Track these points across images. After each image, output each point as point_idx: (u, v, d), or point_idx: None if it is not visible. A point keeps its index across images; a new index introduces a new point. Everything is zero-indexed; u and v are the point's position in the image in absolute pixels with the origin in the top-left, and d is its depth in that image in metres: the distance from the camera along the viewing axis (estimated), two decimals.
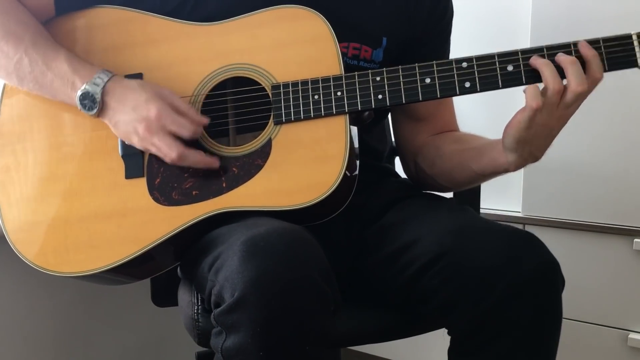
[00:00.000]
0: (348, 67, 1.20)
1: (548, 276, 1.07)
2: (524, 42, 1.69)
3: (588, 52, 1.06)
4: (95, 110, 1.13)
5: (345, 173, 1.10)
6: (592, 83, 1.06)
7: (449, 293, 1.08)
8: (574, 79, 1.04)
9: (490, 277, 1.05)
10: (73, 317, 1.80)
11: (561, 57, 1.06)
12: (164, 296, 1.39)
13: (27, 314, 1.72)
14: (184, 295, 1.24)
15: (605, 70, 1.07)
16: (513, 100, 1.12)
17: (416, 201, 1.28)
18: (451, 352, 1.14)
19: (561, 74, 1.06)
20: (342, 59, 1.16)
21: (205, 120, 1.13)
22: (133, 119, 1.11)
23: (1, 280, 1.66)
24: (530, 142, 1.10)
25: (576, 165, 1.65)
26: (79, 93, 1.12)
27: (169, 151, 1.10)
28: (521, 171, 1.67)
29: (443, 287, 1.09)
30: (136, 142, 1.12)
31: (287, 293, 0.93)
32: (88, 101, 1.12)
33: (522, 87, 1.08)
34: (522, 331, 1.05)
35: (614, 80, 1.07)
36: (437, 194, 1.32)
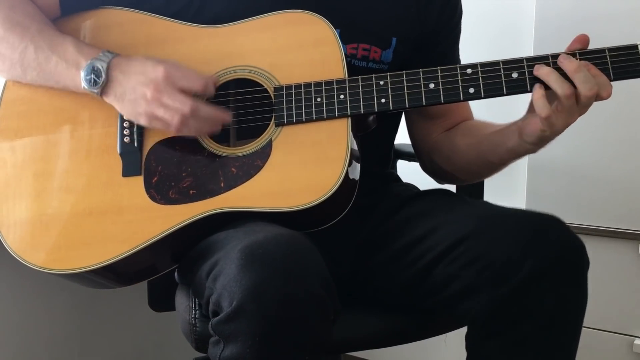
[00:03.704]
0: (357, 69, 1.20)
1: (573, 257, 1.06)
2: (528, 41, 1.70)
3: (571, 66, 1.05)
4: (99, 85, 1.10)
5: (345, 176, 1.08)
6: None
7: (469, 278, 1.06)
8: (583, 86, 1.03)
9: (514, 258, 1.03)
10: (68, 323, 1.78)
11: (565, 64, 1.05)
12: (161, 301, 1.37)
13: (21, 319, 1.70)
14: (182, 300, 1.22)
15: (611, 80, 1.06)
16: (514, 101, 1.12)
17: (429, 197, 1.27)
18: (469, 337, 1.11)
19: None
20: (351, 60, 1.17)
21: (215, 76, 1.12)
22: (140, 82, 1.08)
23: None
24: (551, 137, 1.09)
25: (581, 168, 1.63)
26: (84, 68, 1.11)
27: (181, 106, 1.06)
28: (525, 174, 1.67)
29: (462, 272, 1.07)
30: (143, 109, 1.08)
31: (286, 303, 0.92)
32: (93, 75, 1.10)
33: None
34: (546, 313, 1.04)
35: (619, 82, 1.06)
36: (450, 190, 1.31)
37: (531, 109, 1.10)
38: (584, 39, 1.08)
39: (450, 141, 1.29)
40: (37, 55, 1.14)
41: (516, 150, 1.15)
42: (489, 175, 1.30)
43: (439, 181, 1.37)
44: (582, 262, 1.07)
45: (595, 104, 1.06)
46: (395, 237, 1.19)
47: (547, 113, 1.04)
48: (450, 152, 1.28)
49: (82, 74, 1.11)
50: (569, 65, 1.05)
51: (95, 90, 1.11)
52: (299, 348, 0.94)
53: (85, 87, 1.11)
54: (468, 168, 1.26)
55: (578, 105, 1.05)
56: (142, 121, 1.11)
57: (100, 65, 1.10)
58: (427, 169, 1.37)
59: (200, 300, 1.10)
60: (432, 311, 1.20)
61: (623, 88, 1.09)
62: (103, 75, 1.10)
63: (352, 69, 1.14)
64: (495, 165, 1.22)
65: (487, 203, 1.20)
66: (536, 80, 1.07)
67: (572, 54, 1.07)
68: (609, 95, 1.05)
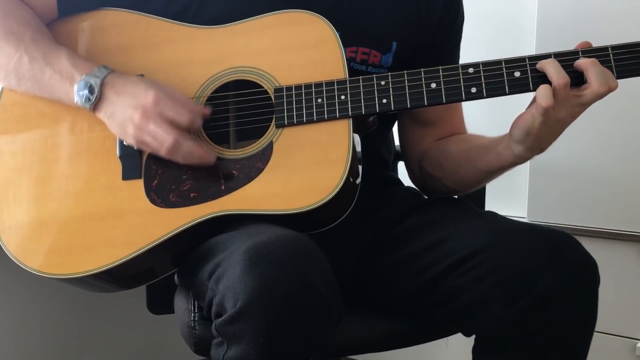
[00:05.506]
0: (356, 72, 1.18)
1: (587, 276, 1.06)
2: (530, 41, 1.69)
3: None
4: (92, 102, 1.10)
5: (347, 178, 1.07)
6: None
7: (481, 292, 1.06)
8: (595, 80, 1.02)
9: (529, 276, 1.03)
10: (66, 326, 1.78)
11: (581, 61, 1.04)
12: (159, 303, 1.36)
13: (18, 323, 1.70)
14: (181, 303, 1.21)
15: (615, 78, 1.05)
16: (518, 105, 1.11)
17: (438, 206, 1.26)
18: (477, 351, 1.11)
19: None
20: (350, 63, 1.16)
21: (205, 109, 1.10)
22: (130, 105, 1.08)
23: None
24: (540, 136, 1.08)
25: (582, 169, 1.63)
26: (77, 84, 1.10)
27: (165, 136, 1.06)
28: (527, 175, 1.67)
29: (474, 285, 1.06)
30: (131, 133, 1.08)
31: (291, 303, 0.91)
32: (87, 92, 1.09)
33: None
34: (559, 330, 1.04)
35: (620, 83, 1.05)
36: (457, 198, 1.30)
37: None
38: (586, 46, 1.07)
39: (442, 147, 1.28)
40: (32, 66, 1.13)
41: (502, 153, 1.13)
42: (476, 186, 1.27)
43: (427, 193, 1.34)
44: (595, 281, 1.07)
45: (597, 105, 1.05)
46: (402, 245, 1.18)
47: (548, 103, 1.03)
48: (441, 158, 1.27)
49: (76, 88, 1.10)
50: (584, 60, 1.04)
51: (87, 106, 1.10)
52: (303, 349, 0.93)
53: (78, 102, 1.11)
54: (457, 175, 1.24)
55: (576, 100, 1.04)
56: (131, 143, 1.10)
57: (94, 82, 1.10)
58: (415, 177, 1.35)
59: (201, 303, 1.09)
60: (437, 321, 1.20)
61: (625, 90, 1.08)
62: (96, 92, 1.09)
63: (352, 73, 1.13)
64: (483, 173, 1.20)
65: (497, 215, 1.18)
66: (539, 79, 1.06)
67: (575, 52, 1.07)
68: (616, 86, 1.04)
